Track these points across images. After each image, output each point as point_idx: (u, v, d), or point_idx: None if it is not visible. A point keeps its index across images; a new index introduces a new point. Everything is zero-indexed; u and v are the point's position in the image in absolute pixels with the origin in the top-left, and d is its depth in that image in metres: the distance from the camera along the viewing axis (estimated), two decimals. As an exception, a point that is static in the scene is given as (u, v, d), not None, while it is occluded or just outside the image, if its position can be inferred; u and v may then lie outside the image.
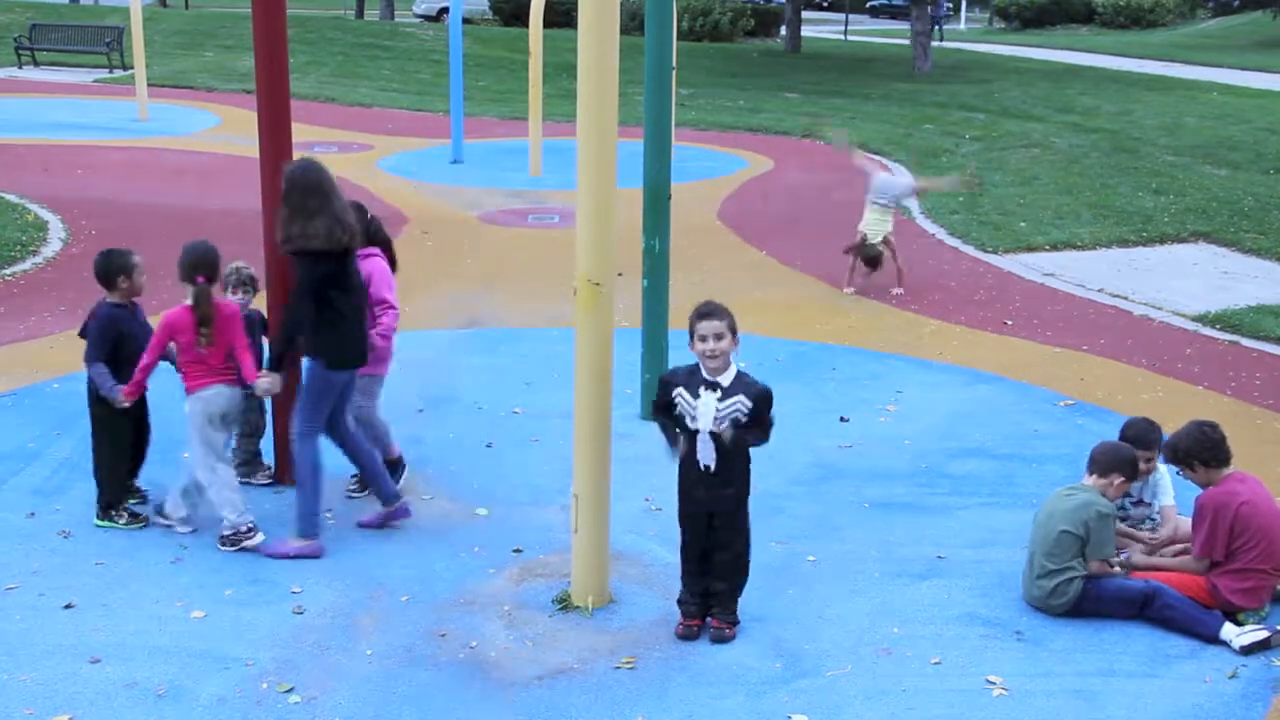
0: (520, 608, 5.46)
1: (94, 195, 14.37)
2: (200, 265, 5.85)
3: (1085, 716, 4.76)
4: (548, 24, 17.93)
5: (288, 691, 4.77)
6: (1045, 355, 9.26)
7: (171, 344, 5.91)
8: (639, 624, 5.34)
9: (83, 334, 6.13)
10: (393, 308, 6.25)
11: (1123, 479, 5.62)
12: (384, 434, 6.55)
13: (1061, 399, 8.28)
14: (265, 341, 6.43)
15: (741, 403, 4.99)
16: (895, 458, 7.24)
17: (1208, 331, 9.97)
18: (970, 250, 12.86)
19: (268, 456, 6.72)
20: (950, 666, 5.06)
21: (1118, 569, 5.60)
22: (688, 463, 5.13)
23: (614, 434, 5.37)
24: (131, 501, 6.30)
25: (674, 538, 5.35)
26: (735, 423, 4.99)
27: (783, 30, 42.45)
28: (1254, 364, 9.15)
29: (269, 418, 6.61)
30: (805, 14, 45.11)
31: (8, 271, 10.97)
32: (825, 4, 73.70)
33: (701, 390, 5.01)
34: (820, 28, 53.98)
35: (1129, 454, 5.68)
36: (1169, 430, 5.84)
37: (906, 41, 39.33)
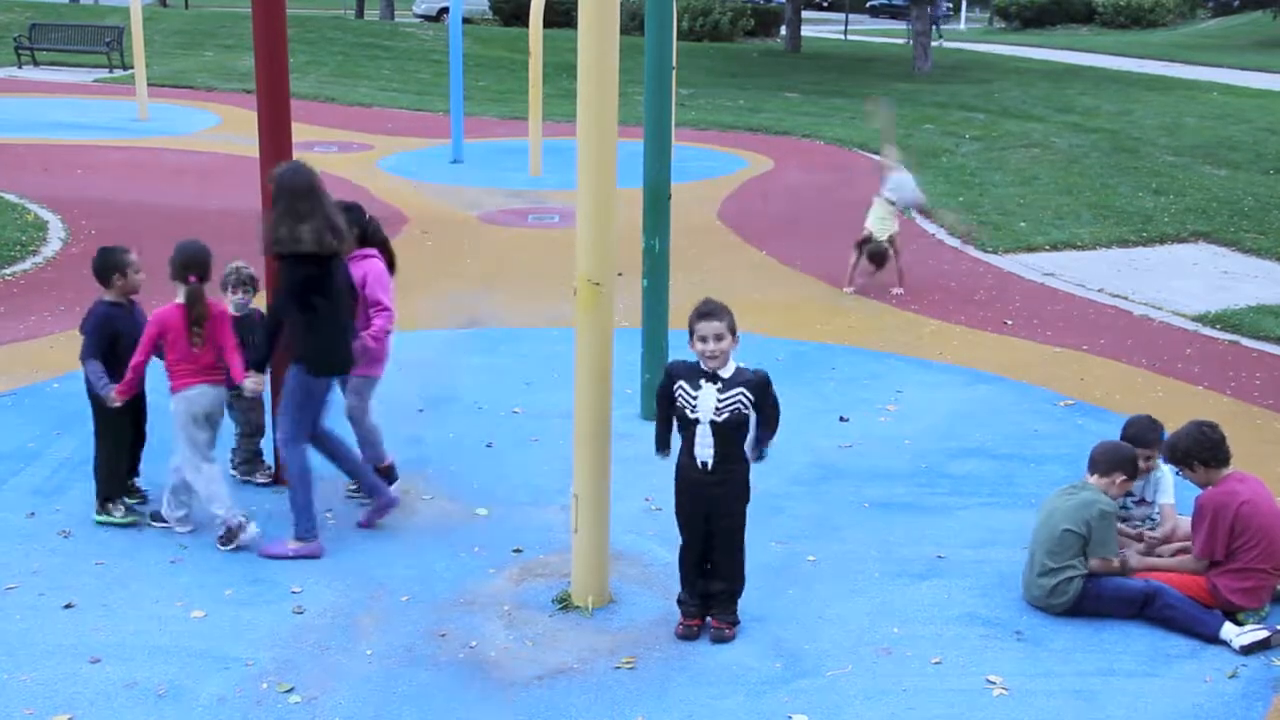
0: (520, 608, 5.46)
1: (94, 195, 14.38)
2: (192, 264, 5.86)
3: (1085, 716, 4.76)
4: (548, 24, 17.93)
5: (288, 691, 4.77)
6: (1045, 355, 9.27)
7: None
8: (639, 624, 5.34)
9: (83, 330, 6.15)
10: (387, 310, 6.22)
11: (1125, 478, 5.64)
12: (376, 440, 6.50)
13: (1061, 399, 8.28)
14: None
15: (743, 394, 5.00)
16: (895, 458, 7.24)
17: (1208, 331, 9.98)
18: (970, 250, 12.86)
19: (268, 456, 6.71)
20: (950, 666, 5.06)
21: (1118, 564, 5.60)
22: (685, 460, 5.12)
23: (614, 434, 5.37)
24: (132, 502, 6.31)
25: (674, 538, 5.35)
26: (738, 415, 5.00)
27: (783, 30, 42.46)
28: (1254, 364, 9.15)
29: (269, 417, 6.60)
30: (805, 14, 45.12)
31: (8, 271, 10.97)
32: (825, 4, 73.69)
33: (702, 382, 5.02)
34: (820, 28, 53.98)
35: (1129, 453, 5.69)
36: (1169, 430, 5.84)
37: (906, 41, 39.34)
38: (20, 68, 28.17)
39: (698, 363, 5.07)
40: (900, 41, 44.64)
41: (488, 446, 7.30)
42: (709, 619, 5.27)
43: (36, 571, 5.65)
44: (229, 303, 6.45)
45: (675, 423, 5.18)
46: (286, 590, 5.55)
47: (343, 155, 17.95)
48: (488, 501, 6.54)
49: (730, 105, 24.91)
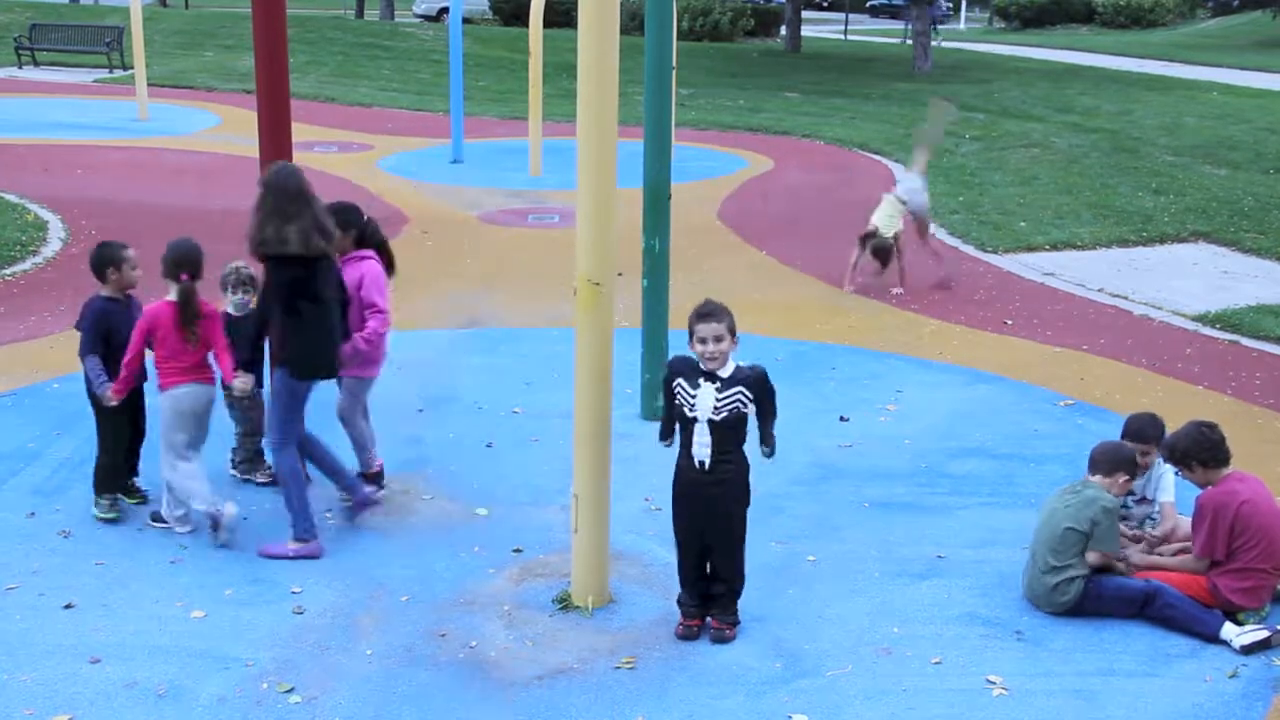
0: (520, 608, 5.46)
1: (94, 195, 14.38)
2: (184, 262, 5.87)
3: (1085, 716, 4.76)
4: (548, 24, 17.93)
5: (288, 691, 4.77)
6: (1045, 355, 9.27)
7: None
8: (639, 624, 5.34)
9: (78, 326, 6.17)
10: (382, 312, 6.19)
11: (1127, 477, 5.65)
12: (365, 443, 6.47)
13: (1061, 399, 8.28)
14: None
15: (742, 393, 5.00)
16: (895, 457, 7.24)
17: (1208, 331, 9.98)
18: (970, 250, 12.86)
19: (269, 455, 6.71)
20: (950, 666, 5.06)
21: (1121, 566, 5.61)
22: (683, 459, 5.12)
23: (614, 434, 5.37)
24: (132, 502, 6.32)
25: (674, 537, 5.34)
26: (736, 413, 5.00)
27: (783, 30, 42.45)
28: (1254, 364, 9.15)
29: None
30: (805, 14, 45.13)
31: (8, 271, 10.97)
32: (825, 4, 73.70)
33: (701, 381, 5.02)
34: (820, 28, 53.99)
35: (1129, 453, 5.71)
36: (1170, 430, 5.84)
37: (903, 40, 39.35)
38: (20, 68, 28.17)
39: (698, 361, 5.07)
40: (901, 42, 44.68)
41: (488, 446, 7.30)
42: (709, 619, 5.27)
43: (36, 571, 5.65)
44: (229, 303, 6.46)
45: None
46: (286, 590, 5.55)
47: (343, 155, 17.95)
48: (488, 501, 6.54)
49: (730, 105, 24.91)
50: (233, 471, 6.73)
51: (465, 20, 26.74)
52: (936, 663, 5.09)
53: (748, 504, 5.18)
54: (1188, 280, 11.67)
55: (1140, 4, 55.29)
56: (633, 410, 7.66)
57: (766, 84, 28.92)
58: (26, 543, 5.92)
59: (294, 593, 5.53)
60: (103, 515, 6.17)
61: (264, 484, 6.60)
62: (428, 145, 19.24)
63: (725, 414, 4.98)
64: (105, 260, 6.12)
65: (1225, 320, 10.14)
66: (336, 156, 17.78)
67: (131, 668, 4.91)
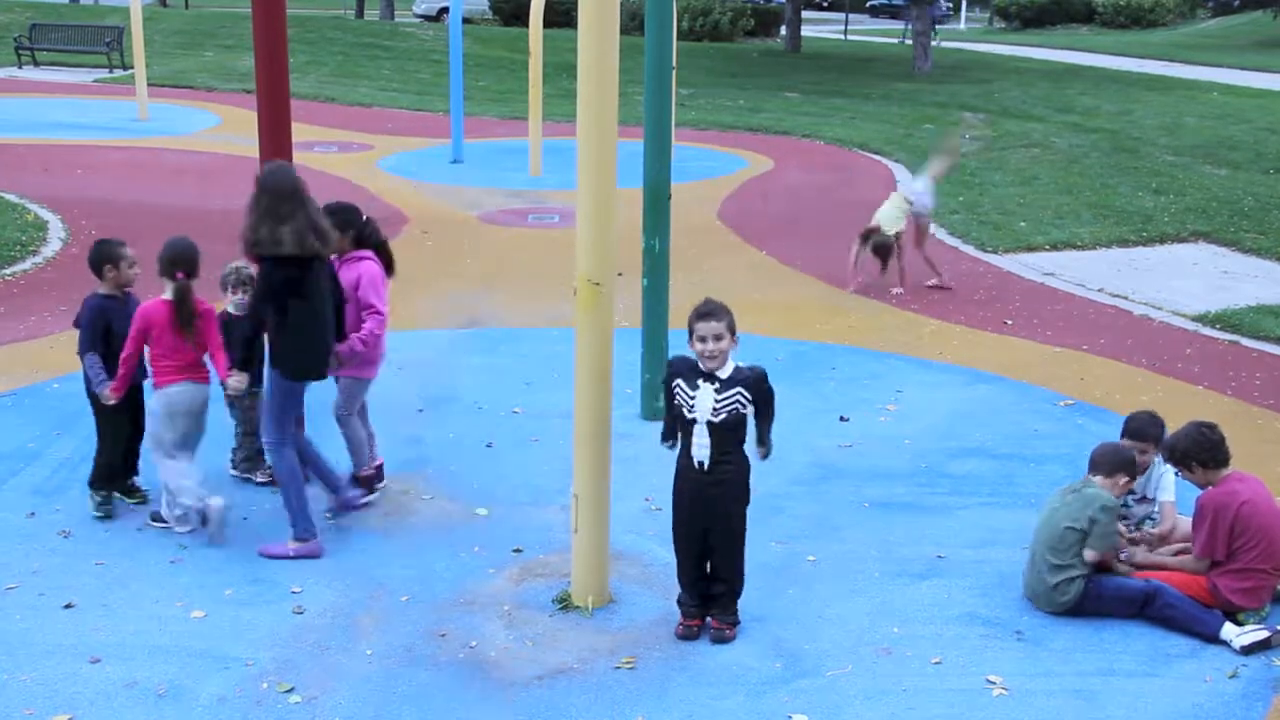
0: (520, 608, 5.46)
1: (94, 195, 14.38)
2: (180, 261, 5.89)
3: (1085, 716, 4.76)
4: (548, 24, 17.93)
5: (288, 691, 4.77)
6: (1045, 355, 9.27)
7: None
8: (639, 624, 5.34)
9: (77, 324, 6.19)
10: (379, 313, 6.18)
11: (1127, 479, 5.67)
12: (359, 445, 6.45)
13: (1061, 399, 8.28)
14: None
15: (741, 394, 4.99)
16: (895, 457, 7.24)
17: (1208, 331, 9.98)
18: (970, 250, 12.86)
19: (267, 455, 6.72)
20: (950, 666, 5.06)
21: (1123, 567, 5.61)
22: (683, 460, 5.13)
23: (614, 434, 5.37)
24: (132, 502, 6.32)
25: (673, 538, 5.33)
26: (735, 415, 4.99)
27: (783, 30, 42.46)
28: (1254, 364, 9.15)
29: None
30: (805, 14, 45.13)
31: (8, 271, 10.97)
32: (825, 4, 73.71)
33: (700, 382, 5.02)
34: (820, 28, 54.00)
35: (1129, 454, 5.73)
36: (1169, 430, 5.84)
37: (906, 41, 39.34)
38: (20, 68, 28.17)
39: (697, 361, 5.07)
40: (899, 41, 44.68)
41: (488, 446, 7.30)
42: (709, 619, 5.27)
43: (36, 571, 5.65)
44: (229, 302, 6.47)
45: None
46: (286, 590, 5.55)
47: (343, 155, 17.96)
48: (488, 501, 6.54)
49: (730, 105, 24.91)
50: (233, 471, 6.73)
51: (465, 20, 26.74)
52: (936, 663, 5.09)
53: (747, 504, 5.17)
54: (1188, 280, 11.67)
55: (1140, 4, 55.29)
56: (633, 410, 7.66)
57: (766, 84, 28.92)
58: (26, 543, 5.92)
59: (294, 593, 5.53)
60: (94, 511, 6.19)
61: (263, 483, 6.60)
62: (428, 145, 19.24)
63: (724, 415, 4.98)
64: (103, 258, 6.15)
65: (1225, 320, 10.14)
66: (336, 156, 17.79)
67: (131, 668, 4.91)
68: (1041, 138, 20.16)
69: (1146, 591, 5.41)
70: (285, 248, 5.51)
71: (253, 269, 6.50)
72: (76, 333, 6.22)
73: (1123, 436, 5.95)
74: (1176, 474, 5.75)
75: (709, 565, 5.25)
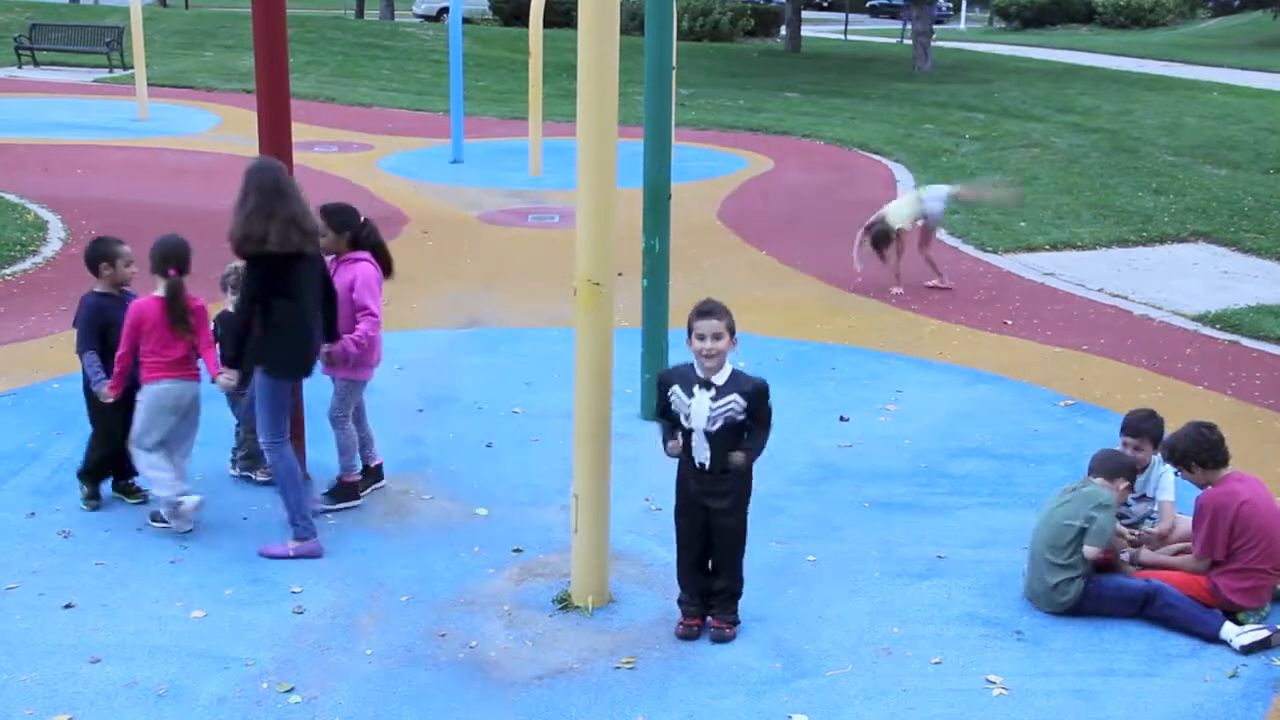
0: (520, 608, 5.46)
1: (94, 195, 14.38)
2: (171, 257, 5.91)
3: (1085, 716, 4.76)
4: (548, 24, 17.93)
5: (288, 691, 4.77)
6: (1045, 355, 9.27)
7: None
8: (639, 624, 5.34)
9: (75, 323, 6.23)
10: (373, 315, 6.17)
11: (1127, 483, 5.68)
12: (350, 447, 6.40)
13: (1061, 399, 8.28)
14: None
15: (735, 402, 4.98)
16: (895, 458, 7.24)
17: (1208, 331, 9.98)
18: (970, 250, 12.86)
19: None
20: (950, 666, 5.06)
21: (1129, 568, 5.62)
22: (684, 460, 5.13)
23: (614, 434, 5.37)
24: (132, 502, 6.34)
25: (674, 537, 5.33)
26: (730, 422, 4.99)
27: (783, 30, 42.46)
28: (1254, 364, 9.15)
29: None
30: (805, 14, 45.13)
31: (8, 271, 10.97)
32: (825, 4, 73.71)
33: (696, 389, 5.01)
34: (820, 28, 54.01)
35: (1128, 459, 5.78)
36: (1169, 430, 5.84)
37: (905, 41, 39.33)
38: (20, 68, 28.17)
39: (692, 367, 5.06)
40: (898, 41, 44.69)
41: (488, 446, 7.30)
42: (709, 619, 5.27)
43: (36, 571, 5.65)
44: (229, 302, 6.47)
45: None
46: (286, 590, 5.55)
47: (343, 155, 17.96)
48: (488, 501, 6.54)
49: (730, 105, 24.91)
50: (233, 471, 6.73)
51: (465, 20, 26.74)
52: (936, 663, 5.09)
53: (748, 505, 5.17)
54: (1188, 280, 11.67)
55: (1140, 4, 55.29)
56: (633, 410, 7.66)
57: (766, 84, 28.92)
58: (26, 543, 5.92)
59: (294, 593, 5.53)
60: (82, 503, 6.26)
61: (264, 482, 6.59)
62: (428, 145, 19.24)
63: (720, 423, 4.98)
64: (99, 256, 6.20)
65: (1225, 320, 10.14)
66: (336, 156, 17.78)
67: (131, 668, 4.91)
68: (1041, 138, 20.15)
69: (1146, 592, 5.41)
70: (270, 245, 5.51)
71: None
72: (76, 332, 6.23)
73: (1120, 433, 5.97)
74: (1176, 474, 5.76)
75: (709, 564, 5.24)
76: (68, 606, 5.35)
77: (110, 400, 6.05)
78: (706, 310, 4.98)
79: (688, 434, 5.05)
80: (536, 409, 7.88)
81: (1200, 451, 5.51)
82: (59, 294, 10.15)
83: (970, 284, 11.38)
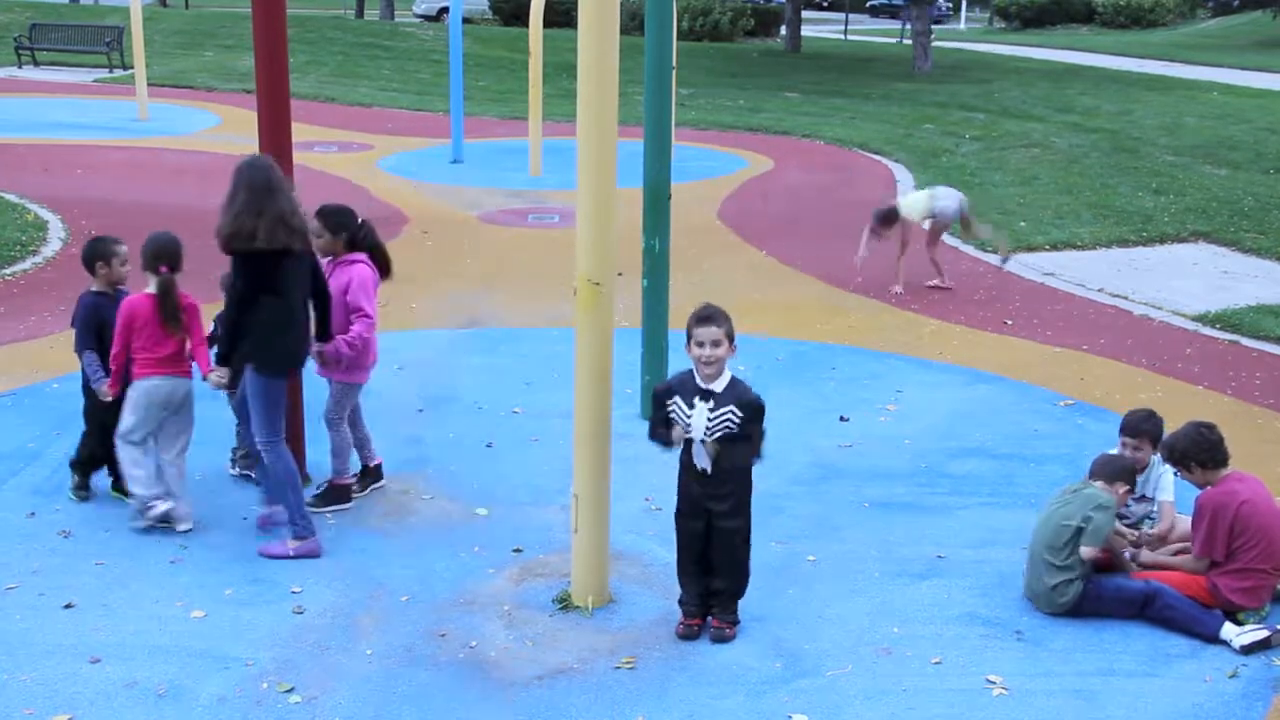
0: (520, 608, 5.46)
1: (94, 195, 14.38)
2: (163, 255, 5.94)
3: (1085, 716, 4.76)
4: (548, 24, 17.93)
5: (288, 691, 4.77)
6: (1045, 355, 9.27)
7: None
8: (639, 624, 5.34)
9: (73, 323, 6.27)
10: (368, 316, 6.16)
11: (1127, 487, 5.69)
12: (344, 450, 6.40)
13: (1061, 399, 8.28)
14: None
15: (733, 413, 4.98)
16: (895, 457, 7.24)
17: (1208, 331, 9.98)
18: (970, 250, 12.86)
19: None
20: (950, 666, 5.06)
21: (1132, 566, 5.63)
22: (686, 461, 5.13)
23: (614, 434, 5.37)
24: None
25: (674, 537, 5.34)
26: (728, 433, 4.99)
27: (783, 30, 42.45)
28: (1254, 364, 9.15)
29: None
30: (805, 14, 45.12)
31: (8, 271, 10.97)
32: (825, 4, 73.70)
33: (695, 400, 5.01)
34: (820, 28, 54.01)
35: (1128, 462, 5.78)
36: (1169, 430, 5.84)
37: (905, 41, 39.33)
38: (20, 68, 28.18)
39: (691, 374, 5.06)
40: (897, 41, 44.68)
41: (488, 446, 7.30)
42: (709, 618, 5.27)
43: (36, 571, 5.65)
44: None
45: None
46: (286, 590, 5.55)
47: (343, 155, 17.96)
48: (488, 501, 6.54)
49: (730, 105, 24.92)
50: (233, 471, 6.73)
51: (465, 20, 26.74)
52: (936, 663, 5.09)
53: (750, 495, 5.18)
54: (1188, 280, 11.67)
55: (1140, 4, 55.29)
56: (633, 410, 7.65)
57: (766, 84, 28.93)
58: (26, 543, 5.92)
59: (294, 593, 5.53)
60: (70, 493, 6.34)
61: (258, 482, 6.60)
62: (428, 145, 19.24)
63: (719, 433, 4.99)
64: (95, 254, 6.25)
65: (1225, 320, 10.14)
66: (336, 156, 17.79)
67: (131, 668, 4.91)
68: (1041, 138, 20.15)
69: (1146, 593, 5.41)
70: (258, 242, 5.52)
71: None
72: (74, 332, 6.25)
73: (1119, 433, 5.97)
74: (1175, 474, 5.76)
75: (711, 563, 5.24)
76: (68, 606, 5.35)
77: (109, 399, 6.07)
78: (706, 317, 4.97)
79: (688, 442, 5.06)
80: (536, 409, 7.88)
81: (1200, 451, 5.51)
82: (59, 294, 10.15)
83: (970, 284, 11.38)
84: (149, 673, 4.87)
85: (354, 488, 6.50)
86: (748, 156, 18.91)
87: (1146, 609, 5.40)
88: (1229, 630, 5.27)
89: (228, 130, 19.80)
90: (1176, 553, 5.79)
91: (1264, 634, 5.24)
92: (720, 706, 4.76)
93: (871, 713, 4.74)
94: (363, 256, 6.26)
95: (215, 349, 6.10)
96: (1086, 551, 5.42)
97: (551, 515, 6.35)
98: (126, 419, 6.01)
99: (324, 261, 6.17)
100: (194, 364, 6.12)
